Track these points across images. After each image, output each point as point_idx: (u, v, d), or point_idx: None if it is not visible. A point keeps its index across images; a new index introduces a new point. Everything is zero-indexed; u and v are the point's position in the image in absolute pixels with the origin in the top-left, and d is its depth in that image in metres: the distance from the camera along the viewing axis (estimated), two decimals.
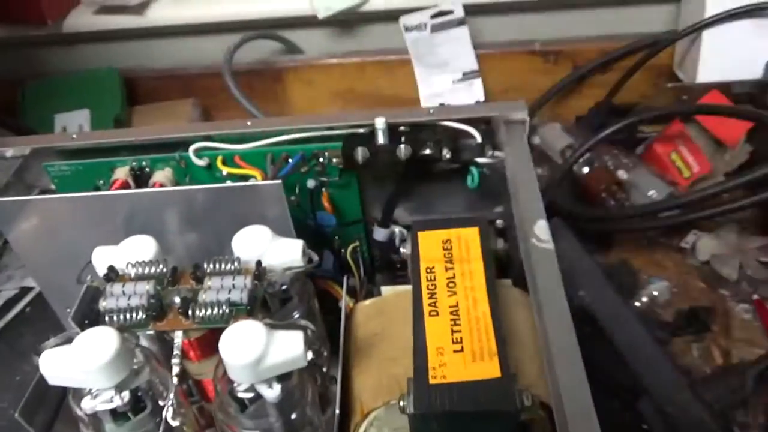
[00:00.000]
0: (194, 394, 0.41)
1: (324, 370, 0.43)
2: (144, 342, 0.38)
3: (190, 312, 0.34)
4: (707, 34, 0.66)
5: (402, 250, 0.43)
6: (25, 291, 0.53)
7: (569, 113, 0.77)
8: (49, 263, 0.45)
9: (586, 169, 0.62)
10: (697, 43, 0.67)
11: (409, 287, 0.40)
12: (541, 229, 0.35)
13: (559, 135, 0.67)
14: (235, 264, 0.36)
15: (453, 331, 0.34)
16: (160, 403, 0.35)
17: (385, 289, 0.41)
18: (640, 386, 0.41)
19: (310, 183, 0.46)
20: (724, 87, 0.66)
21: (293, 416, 0.35)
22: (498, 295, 0.36)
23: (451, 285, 0.37)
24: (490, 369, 0.32)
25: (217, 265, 0.37)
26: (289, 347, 0.32)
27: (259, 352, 0.31)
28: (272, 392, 0.33)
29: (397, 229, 0.49)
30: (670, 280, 0.56)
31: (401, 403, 0.32)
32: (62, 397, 0.39)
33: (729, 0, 0.63)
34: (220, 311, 0.34)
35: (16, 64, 0.85)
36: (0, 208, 0.43)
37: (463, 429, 0.31)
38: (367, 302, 0.42)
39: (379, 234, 0.48)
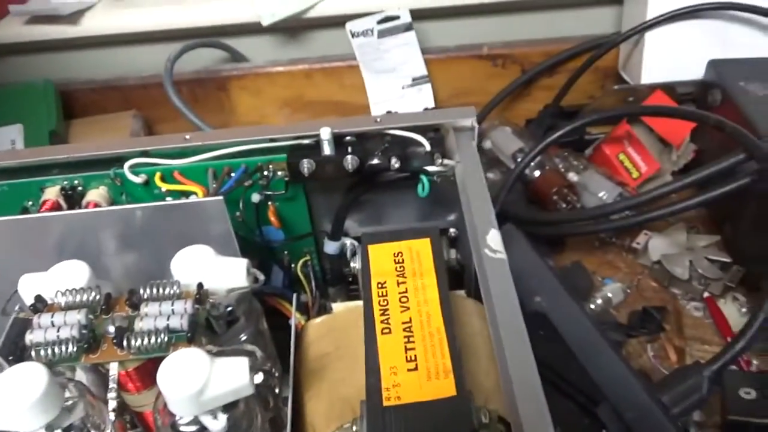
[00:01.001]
0: (137, 425, 0.39)
1: (276, 391, 0.41)
2: (80, 373, 0.36)
3: (125, 342, 0.32)
4: (650, 36, 0.67)
5: (352, 264, 0.41)
6: None
7: (518, 117, 0.77)
8: None
9: (537, 173, 0.62)
10: (640, 44, 0.68)
11: (361, 303, 0.39)
12: (493, 239, 0.34)
13: (510, 139, 0.67)
14: (175, 288, 0.34)
15: (407, 349, 0.33)
16: None
17: (336, 306, 0.40)
18: (599, 392, 0.40)
19: (255, 197, 0.44)
20: (668, 88, 0.67)
21: None
22: (452, 308, 0.35)
23: (403, 300, 0.35)
24: (446, 387, 0.30)
25: (155, 290, 0.34)
26: (233, 376, 0.30)
27: (200, 383, 0.29)
28: (217, 424, 0.31)
29: (348, 242, 0.47)
30: (623, 280, 0.56)
31: (354, 428, 0.30)
32: None
33: (670, 1, 0.64)
34: (158, 340, 0.32)
35: None
36: None
37: None
38: (318, 320, 0.40)
39: (330, 247, 0.47)
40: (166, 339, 0.32)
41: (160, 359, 0.31)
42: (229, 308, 0.37)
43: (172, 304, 0.33)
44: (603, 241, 0.60)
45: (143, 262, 0.42)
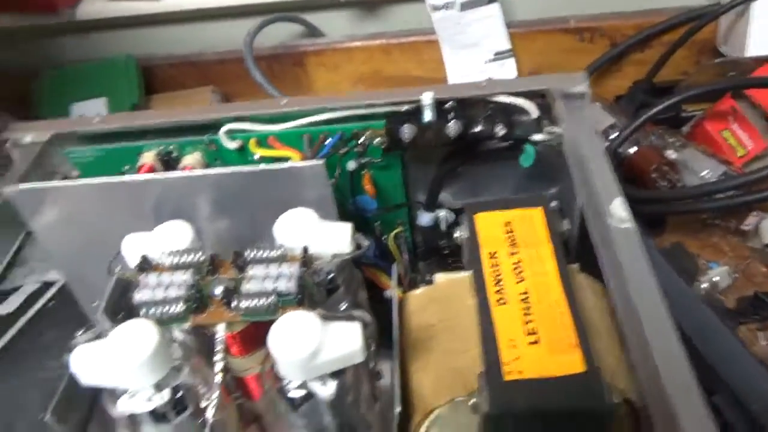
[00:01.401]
0: (233, 391, 0.38)
1: (371, 365, 0.40)
2: (178, 335, 0.35)
3: (233, 303, 0.31)
4: (756, 6, 0.62)
5: (455, 234, 0.39)
6: (48, 285, 0.50)
7: (607, 93, 0.73)
8: (75, 254, 0.42)
9: (632, 150, 0.59)
10: (746, 16, 0.64)
11: (462, 274, 0.37)
12: (619, 207, 0.32)
13: (601, 114, 0.63)
14: (280, 251, 0.33)
15: (526, 321, 0.31)
16: (200, 402, 0.32)
17: (438, 276, 0.38)
18: (716, 378, 0.38)
19: (351, 165, 0.43)
20: None
21: (348, 415, 0.32)
22: (571, 280, 0.33)
23: (518, 270, 0.33)
24: (573, 363, 0.28)
25: (259, 253, 0.34)
26: (346, 341, 0.29)
27: (313, 347, 0.28)
28: (327, 390, 0.30)
29: (441, 213, 0.45)
30: (729, 264, 0.52)
31: (472, 401, 0.29)
32: (94, 396, 0.36)
33: None
34: (268, 302, 0.31)
35: (30, 55, 0.82)
36: (21, 196, 0.40)
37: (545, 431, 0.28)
38: (418, 291, 0.38)
39: (424, 218, 0.45)
40: (275, 301, 0.31)
41: (264, 324, 0.30)
42: (331, 275, 0.36)
43: (279, 267, 0.32)
44: (705, 222, 0.56)
45: (235, 227, 0.42)
